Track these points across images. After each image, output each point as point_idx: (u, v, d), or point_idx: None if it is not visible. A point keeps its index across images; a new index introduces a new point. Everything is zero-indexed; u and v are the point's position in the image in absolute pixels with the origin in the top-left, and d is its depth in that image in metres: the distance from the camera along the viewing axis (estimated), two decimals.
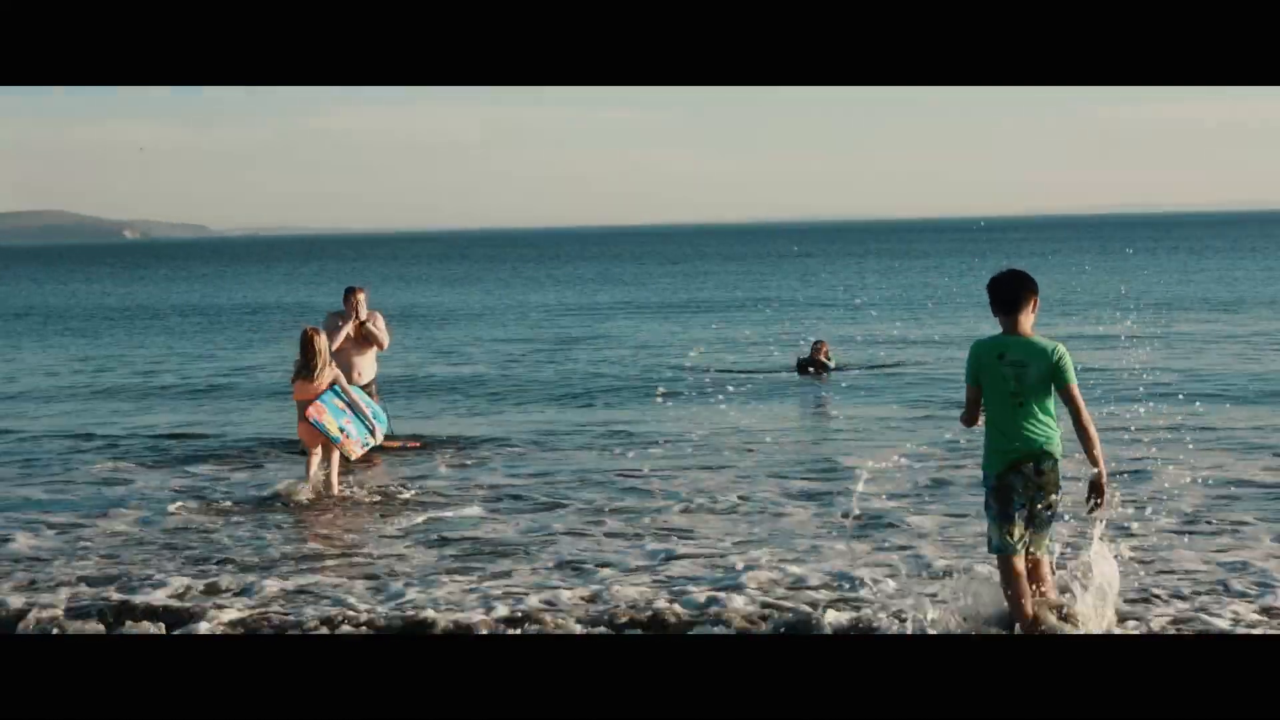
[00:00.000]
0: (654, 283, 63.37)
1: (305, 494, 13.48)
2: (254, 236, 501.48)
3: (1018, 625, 8.09)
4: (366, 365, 16.02)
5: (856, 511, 11.72)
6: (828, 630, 8.51)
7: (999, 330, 8.21)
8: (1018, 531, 8.10)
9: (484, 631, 8.70)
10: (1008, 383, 8.05)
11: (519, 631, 8.70)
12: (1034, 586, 8.17)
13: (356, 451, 13.84)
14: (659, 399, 20.58)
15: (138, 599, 9.66)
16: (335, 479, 13.75)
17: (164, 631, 8.95)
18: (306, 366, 13.80)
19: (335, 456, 13.82)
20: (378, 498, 13.42)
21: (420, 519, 12.36)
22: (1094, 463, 8.05)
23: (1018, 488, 8.08)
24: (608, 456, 15.63)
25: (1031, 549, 8.17)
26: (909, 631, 8.31)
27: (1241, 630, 8.50)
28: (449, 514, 12.53)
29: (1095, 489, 8.08)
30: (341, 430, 13.72)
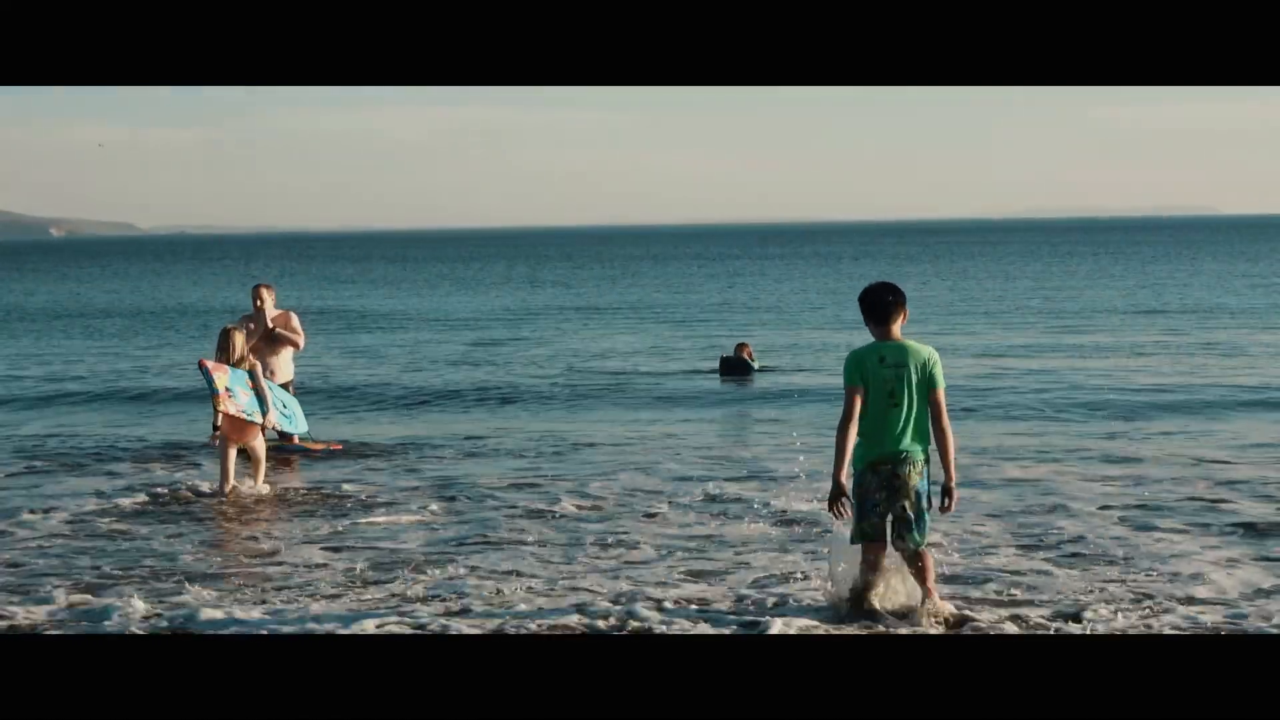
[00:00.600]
0: (582, 285, 63.14)
1: (222, 491, 13.37)
2: (181, 235, 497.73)
3: (848, 606, 8.61)
4: (281, 365, 15.73)
5: (783, 512, 11.83)
6: (774, 631, 8.48)
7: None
8: (877, 525, 8.54)
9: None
10: (888, 385, 8.46)
11: (515, 632, 8.58)
12: (922, 584, 8.60)
13: (228, 407, 13.43)
14: (565, 399, 20.45)
15: (21, 613, 9.26)
16: (261, 476, 13.64)
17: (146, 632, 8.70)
18: (225, 361, 13.79)
19: (260, 452, 13.68)
20: (298, 503, 13.06)
21: (335, 526, 11.99)
22: (946, 469, 8.45)
23: (873, 486, 8.52)
24: (526, 461, 15.35)
25: (903, 543, 8.55)
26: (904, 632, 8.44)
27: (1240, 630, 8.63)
28: (367, 519, 12.18)
29: (946, 493, 8.46)
30: (228, 390, 13.53)
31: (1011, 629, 8.53)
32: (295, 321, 15.94)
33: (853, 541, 8.66)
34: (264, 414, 13.81)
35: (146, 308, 50.10)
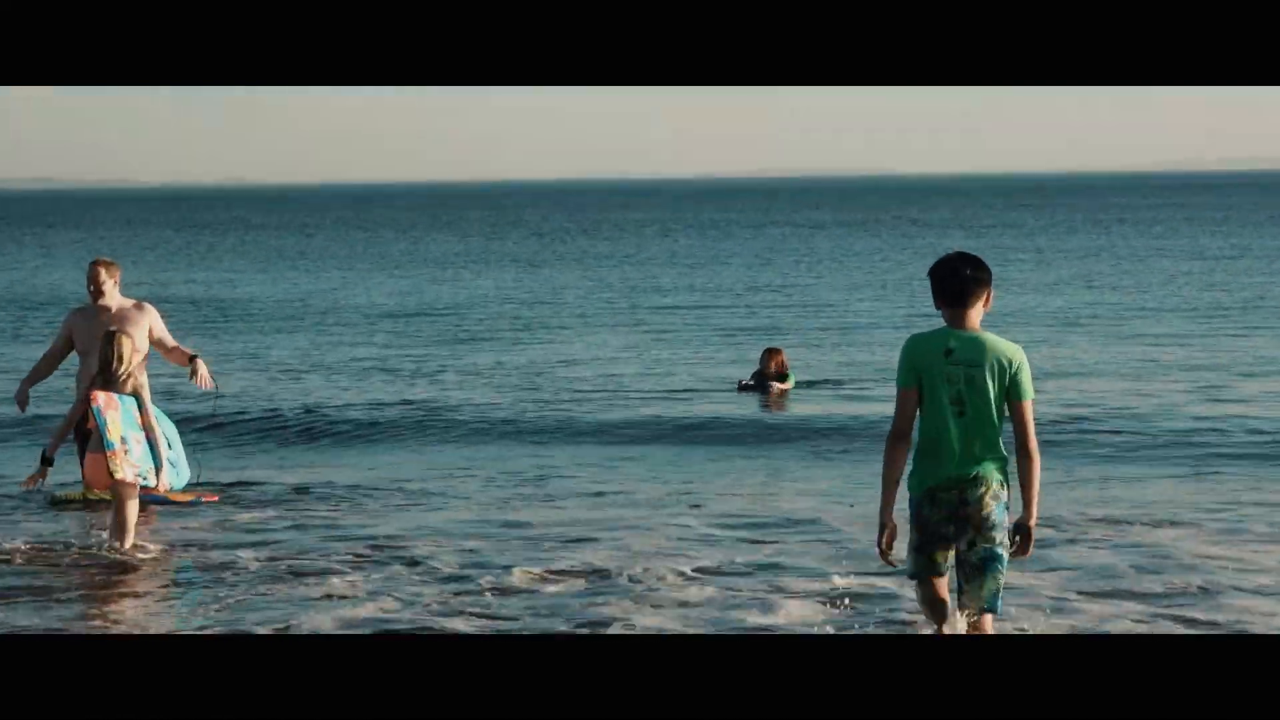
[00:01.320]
0: (557, 261, 63.15)
1: (110, 544, 13.64)
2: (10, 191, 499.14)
3: None
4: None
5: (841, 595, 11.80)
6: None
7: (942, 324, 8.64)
8: (937, 556, 8.59)
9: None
10: (953, 386, 8.42)
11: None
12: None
13: (124, 473, 13.57)
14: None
15: None
16: (130, 526, 13.73)
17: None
18: (105, 372, 13.92)
19: (132, 502, 13.77)
20: (164, 569, 13.19)
21: (195, 599, 12.19)
22: (1027, 504, 8.50)
23: (934, 519, 8.53)
24: (474, 516, 15.24)
25: (966, 597, 8.62)
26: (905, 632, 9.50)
27: (1240, 631, 10.02)
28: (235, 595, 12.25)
29: (1022, 533, 8.53)
30: (123, 441, 13.63)
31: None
32: (160, 324, 15.53)
33: (910, 576, 8.78)
34: (158, 470, 13.91)
35: None
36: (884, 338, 31.91)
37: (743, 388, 24.22)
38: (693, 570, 12.67)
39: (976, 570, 8.55)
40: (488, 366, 28.42)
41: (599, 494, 16.32)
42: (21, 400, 15.49)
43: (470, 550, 13.61)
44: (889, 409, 8.90)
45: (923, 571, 8.65)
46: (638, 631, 10.83)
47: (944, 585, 8.67)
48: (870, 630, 9.61)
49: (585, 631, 10.88)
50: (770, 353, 24.56)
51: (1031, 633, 9.66)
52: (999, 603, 8.70)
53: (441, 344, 32.72)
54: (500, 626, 11.19)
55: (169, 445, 14.27)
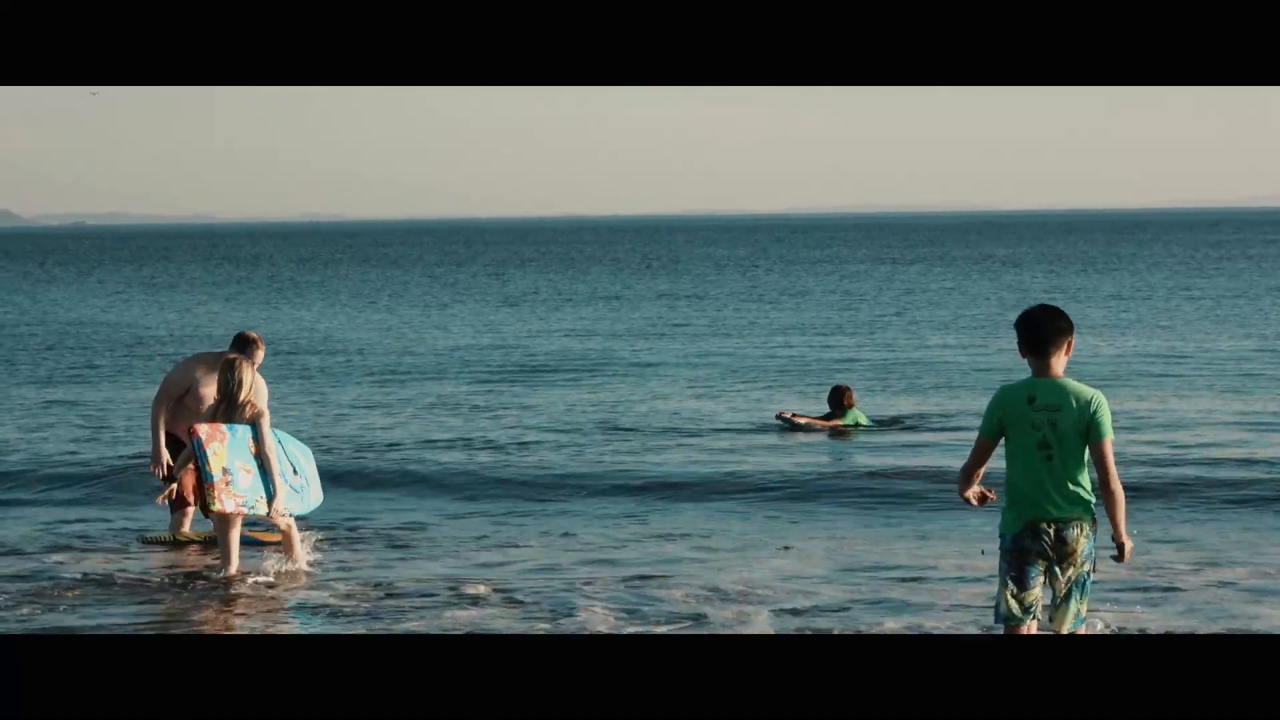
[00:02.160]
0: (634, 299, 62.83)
1: (225, 574, 13.88)
2: (79, 227, 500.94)
3: None
4: None
5: None
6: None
7: (1029, 374, 9.34)
8: (1029, 599, 9.25)
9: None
10: (1038, 431, 9.11)
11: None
12: None
13: (225, 506, 13.62)
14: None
15: None
16: (234, 552, 13.93)
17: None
18: (227, 400, 13.89)
19: (234, 531, 13.92)
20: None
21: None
22: (1116, 530, 9.21)
23: (1035, 552, 9.18)
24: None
25: (1051, 623, 9.27)
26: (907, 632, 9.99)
27: (1239, 631, 10.44)
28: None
29: (1118, 546, 9.27)
30: (226, 472, 13.55)
31: None
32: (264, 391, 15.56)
33: (995, 621, 9.36)
34: (270, 500, 13.82)
35: (43, 331, 47.81)
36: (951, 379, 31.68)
37: (784, 419, 24.12)
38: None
39: (1066, 596, 9.24)
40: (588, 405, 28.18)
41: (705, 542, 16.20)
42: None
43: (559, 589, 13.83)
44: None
45: (1011, 617, 9.26)
46: (636, 632, 11.15)
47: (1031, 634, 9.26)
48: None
49: (585, 631, 11.27)
50: (838, 390, 24.41)
51: (1032, 633, 9.89)
52: (1081, 626, 9.34)
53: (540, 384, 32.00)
54: None
55: (295, 471, 14.26)
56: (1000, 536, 9.31)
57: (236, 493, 13.65)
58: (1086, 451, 9.16)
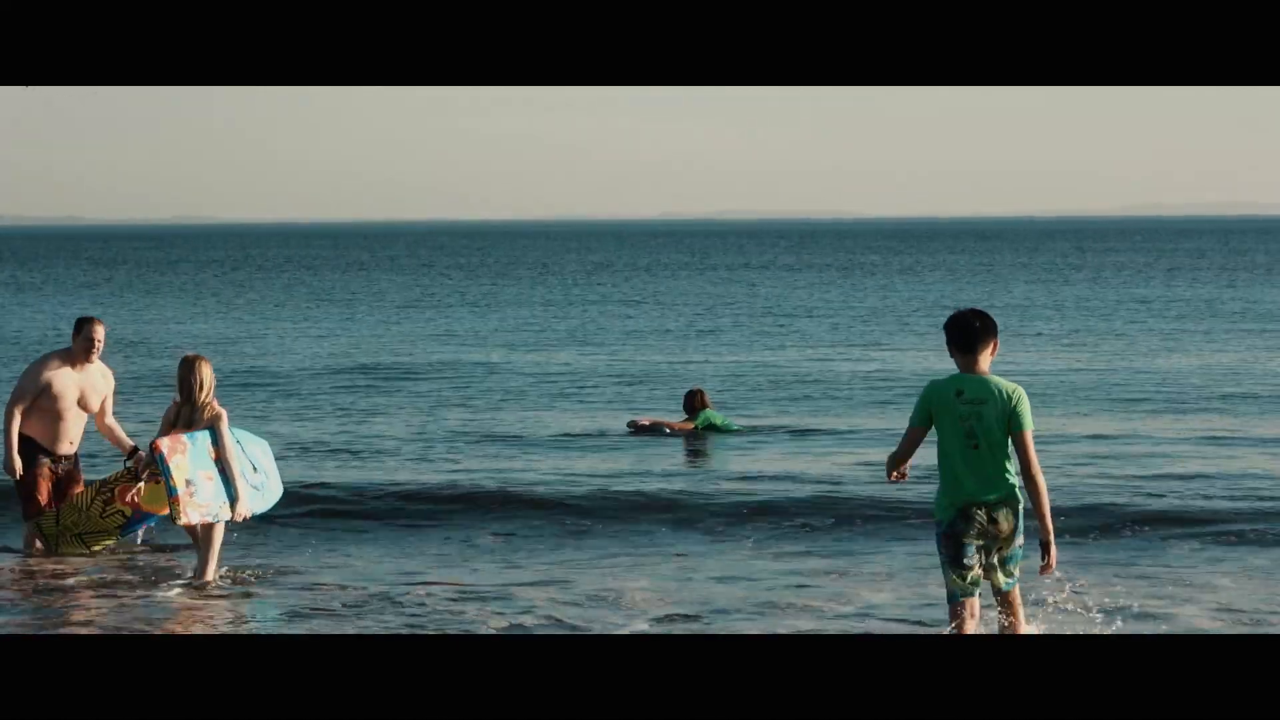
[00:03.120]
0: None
1: (201, 579, 13.84)
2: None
3: None
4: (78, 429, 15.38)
5: None
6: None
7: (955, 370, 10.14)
8: (970, 575, 10.04)
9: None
10: (966, 422, 9.90)
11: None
12: (1007, 619, 10.22)
13: (191, 518, 13.67)
14: None
15: None
16: (213, 560, 13.88)
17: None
18: (189, 401, 13.78)
19: (217, 530, 13.86)
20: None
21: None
22: (1041, 521, 9.99)
23: (969, 533, 9.99)
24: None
25: (994, 583, 10.12)
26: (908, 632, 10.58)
27: (1239, 631, 10.76)
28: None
29: (1044, 549, 10.05)
30: (189, 484, 13.58)
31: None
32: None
33: (950, 599, 10.14)
34: (233, 504, 13.83)
35: None
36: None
37: (635, 425, 24.05)
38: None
39: (1001, 565, 10.09)
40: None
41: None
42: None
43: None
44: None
45: (958, 592, 10.07)
46: (635, 632, 11.43)
47: (975, 607, 10.11)
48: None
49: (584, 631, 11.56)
50: (690, 394, 24.29)
51: (1032, 633, 10.48)
52: (1016, 579, 10.19)
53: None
54: None
55: (255, 468, 14.21)
56: (936, 522, 10.11)
57: (200, 503, 13.69)
58: (1003, 443, 9.93)
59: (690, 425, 23.72)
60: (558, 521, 17.49)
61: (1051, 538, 10.01)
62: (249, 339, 44.07)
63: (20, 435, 14.99)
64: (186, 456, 13.58)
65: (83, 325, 15.12)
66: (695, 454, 22.56)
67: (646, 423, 24.11)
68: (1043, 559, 10.06)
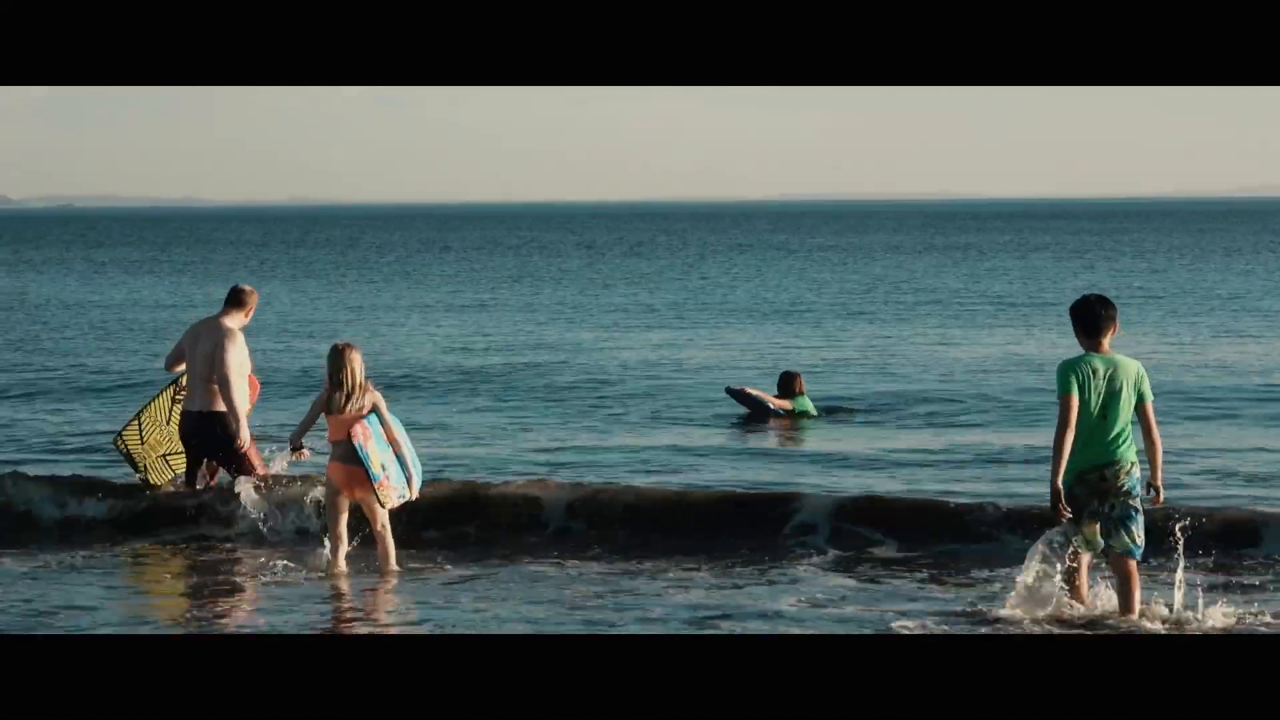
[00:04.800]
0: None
1: (331, 566, 13.84)
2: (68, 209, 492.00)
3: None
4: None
5: None
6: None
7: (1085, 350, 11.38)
8: (1088, 533, 11.28)
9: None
10: (1098, 394, 11.19)
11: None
12: (1124, 600, 11.38)
13: (394, 500, 13.82)
14: None
15: None
16: (391, 548, 13.91)
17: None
18: (339, 392, 13.67)
19: (383, 515, 13.85)
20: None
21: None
22: (1154, 469, 11.35)
23: (1083, 497, 11.26)
24: None
25: (1112, 545, 11.32)
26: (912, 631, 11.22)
27: (1240, 630, 11.33)
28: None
29: (1153, 490, 11.34)
30: (384, 468, 13.73)
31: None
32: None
33: (1073, 551, 11.33)
34: (408, 481, 13.92)
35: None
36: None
37: (734, 393, 23.91)
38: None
39: (1118, 524, 11.28)
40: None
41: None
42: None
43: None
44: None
45: (1086, 546, 11.36)
46: (638, 632, 11.49)
47: (1086, 565, 11.46)
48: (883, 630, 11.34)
49: (584, 632, 11.50)
50: (789, 376, 23.94)
51: (1031, 633, 11.18)
52: (1138, 550, 11.39)
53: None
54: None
55: (409, 447, 14.11)
56: (1063, 485, 11.21)
57: (394, 484, 13.82)
58: (1129, 413, 11.23)
59: (788, 404, 23.45)
60: None
61: (1159, 483, 11.27)
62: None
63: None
64: (373, 439, 13.64)
65: (238, 297, 15.66)
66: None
67: (753, 393, 23.76)
68: (1149, 493, 11.31)
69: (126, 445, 15.88)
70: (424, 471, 14.34)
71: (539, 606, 12.59)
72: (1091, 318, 11.41)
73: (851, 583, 13.41)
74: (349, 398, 13.57)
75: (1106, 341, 11.38)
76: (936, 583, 13.38)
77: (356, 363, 13.65)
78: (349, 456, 13.53)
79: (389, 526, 13.88)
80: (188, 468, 15.81)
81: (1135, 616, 11.38)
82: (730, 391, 24.12)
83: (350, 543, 14.00)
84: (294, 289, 59.33)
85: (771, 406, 23.26)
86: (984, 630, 11.40)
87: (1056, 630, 11.23)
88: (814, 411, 23.49)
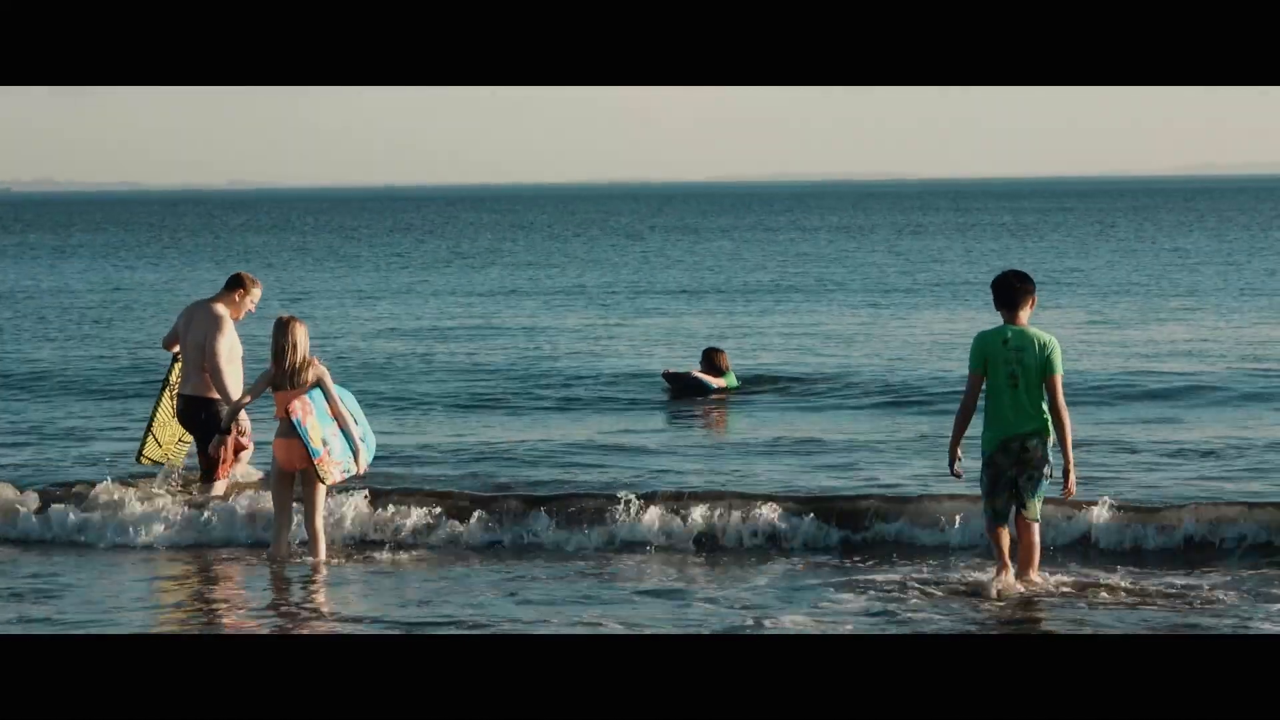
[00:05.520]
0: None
1: (278, 552, 13.79)
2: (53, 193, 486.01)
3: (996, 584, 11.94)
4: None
5: None
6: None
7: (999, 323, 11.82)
8: (1000, 503, 11.78)
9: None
10: (1009, 365, 11.59)
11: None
12: (1020, 562, 11.89)
13: (335, 476, 13.61)
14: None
15: None
16: (320, 528, 13.76)
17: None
18: (281, 365, 13.48)
19: (319, 495, 13.73)
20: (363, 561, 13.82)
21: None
22: (1064, 452, 11.69)
23: (1005, 465, 11.72)
24: None
25: (1025, 513, 11.78)
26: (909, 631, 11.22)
27: (1241, 630, 11.38)
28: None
29: (1064, 474, 11.75)
30: (324, 444, 13.50)
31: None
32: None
33: (988, 528, 11.94)
34: (354, 456, 13.72)
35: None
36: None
37: (667, 376, 23.82)
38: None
39: (1026, 492, 11.71)
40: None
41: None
42: None
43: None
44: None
45: (990, 516, 11.86)
46: (637, 632, 11.42)
47: (1006, 536, 11.86)
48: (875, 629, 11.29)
49: (583, 632, 11.45)
50: (711, 352, 23.97)
51: (1031, 633, 11.26)
52: (1039, 515, 11.85)
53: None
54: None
55: (355, 422, 13.89)
56: (982, 454, 11.80)
57: (336, 459, 13.63)
58: (1038, 384, 11.59)
59: (722, 382, 23.52)
60: None
61: (1072, 466, 11.75)
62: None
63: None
64: (315, 417, 13.43)
65: (238, 284, 15.50)
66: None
67: (697, 375, 23.63)
68: (1063, 484, 11.81)
69: (151, 459, 15.92)
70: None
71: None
72: (1008, 292, 11.82)
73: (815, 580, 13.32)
74: (294, 372, 13.37)
75: (1024, 315, 11.76)
76: (868, 573, 13.34)
77: (301, 336, 13.40)
78: (290, 432, 13.35)
79: (322, 512, 13.74)
80: (198, 452, 15.65)
81: (1034, 574, 11.97)
82: (667, 375, 23.93)
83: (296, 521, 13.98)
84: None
85: (713, 386, 23.20)
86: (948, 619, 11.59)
87: (1056, 630, 11.33)
88: (737, 384, 23.63)
